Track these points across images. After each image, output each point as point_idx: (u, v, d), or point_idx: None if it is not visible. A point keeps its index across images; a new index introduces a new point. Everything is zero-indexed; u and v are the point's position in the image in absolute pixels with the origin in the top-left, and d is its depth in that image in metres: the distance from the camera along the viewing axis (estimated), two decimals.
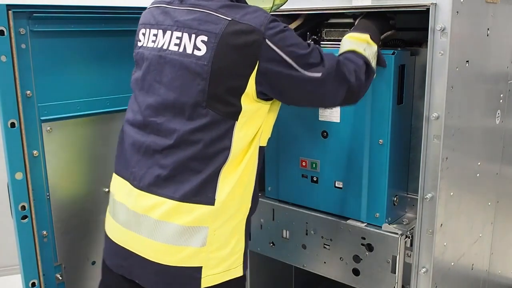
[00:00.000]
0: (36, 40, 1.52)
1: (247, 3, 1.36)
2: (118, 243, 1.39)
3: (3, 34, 1.41)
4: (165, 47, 1.31)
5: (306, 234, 1.83)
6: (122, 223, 1.38)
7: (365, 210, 1.69)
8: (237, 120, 1.27)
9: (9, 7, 1.40)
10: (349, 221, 1.72)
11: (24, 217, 1.55)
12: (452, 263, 1.69)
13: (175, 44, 1.28)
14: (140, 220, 1.32)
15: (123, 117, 1.46)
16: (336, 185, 1.74)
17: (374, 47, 1.47)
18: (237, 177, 1.31)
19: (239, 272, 1.37)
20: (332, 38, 1.74)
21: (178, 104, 1.27)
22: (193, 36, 1.25)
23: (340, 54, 1.45)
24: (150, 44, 1.36)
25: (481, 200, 1.87)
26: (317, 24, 1.78)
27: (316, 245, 1.81)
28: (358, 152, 1.66)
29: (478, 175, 1.76)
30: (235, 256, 1.36)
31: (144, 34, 1.40)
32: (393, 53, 1.54)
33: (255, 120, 1.33)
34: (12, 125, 1.51)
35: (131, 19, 1.67)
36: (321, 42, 1.76)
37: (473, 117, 1.66)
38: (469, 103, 1.60)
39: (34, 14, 1.42)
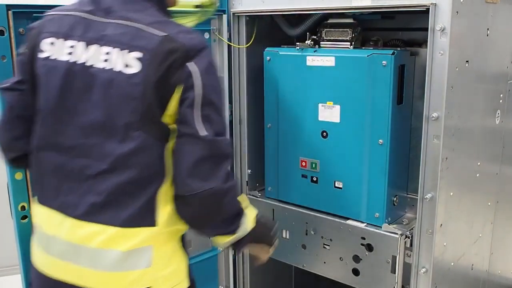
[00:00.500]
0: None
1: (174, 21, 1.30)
2: (54, 277, 1.26)
3: (3, 34, 1.41)
4: (89, 62, 1.18)
5: (306, 234, 1.83)
6: (57, 256, 1.25)
7: (365, 210, 1.69)
8: (168, 142, 1.20)
9: (9, 7, 1.40)
10: (349, 221, 1.72)
11: (24, 217, 1.55)
12: (452, 263, 1.69)
13: (104, 60, 1.17)
14: (79, 250, 1.22)
15: None
16: (336, 185, 1.74)
17: (248, 229, 1.33)
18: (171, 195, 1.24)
19: (185, 284, 1.34)
20: (331, 38, 1.74)
21: (109, 125, 1.18)
22: (125, 52, 1.15)
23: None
24: (64, 57, 1.21)
25: (481, 200, 1.87)
26: (316, 24, 1.78)
27: (316, 245, 1.81)
28: (358, 152, 1.66)
29: (478, 175, 1.76)
30: (180, 271, 1.32)
31: (53, 44, 1.23)
32: (393, 53, 1.54)
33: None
34: None
35: None
36: (321, 42, 1.76)
37: (473, 117, 1.66)
38: (469, 103, 1.60)
39: (34, 15, 1.42)
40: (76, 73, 1.19)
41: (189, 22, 1.70)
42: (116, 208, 1.19)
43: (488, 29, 1.62)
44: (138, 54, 1.14)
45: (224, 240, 1.33)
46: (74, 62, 1.20)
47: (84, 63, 1.19)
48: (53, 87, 1.22)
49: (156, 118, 1.17)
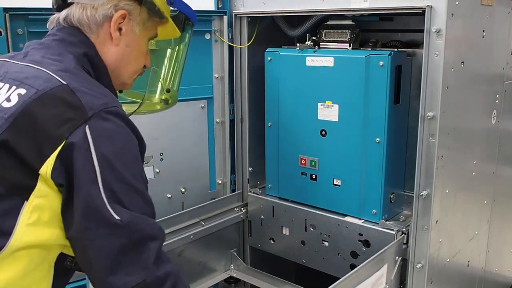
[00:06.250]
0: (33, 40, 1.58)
1: (110, 86, 1.16)
2: None
3: (1, 35, 1.48)
4: None
5: (305, 230, 1.87)
6: None
7: (363, 207, 1.73)
8: (25, 199, 0.94)
9: (6, 10, 1.48)
10: (347, 218, 1.76)
11: None
12: (448, 259, 1.72)
13: None
14: None
15: None
16: (335, 182, 1.78)
17: None
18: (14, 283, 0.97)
19: None
20: (331, 39, 1.78)
21: None
22: (13, 88, 0.99)
23: None
24: None
25: (477, 198, 1.90)
26: (316, 25, 1.82)
27: (315, 241, 1.85)
28: (356, 151, 1.70)
29: (474, 173, 1.79)
30: None
31: None
32: (390, 54, 1.58)
33: (52, 213, 0.96)
34: None
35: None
36: (321, 43, 1.80)
37: (469, 117, 1.70)
38: (465, 103, 1.64)
39: (30, 17, 1.50)
40: None
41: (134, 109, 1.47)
42: None
43: (483, 31, 1.66)
44: (22, 91, 0.98)
45: None
46: None
47: None
48: None
49: (17, 167, 0.94)
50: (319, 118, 1.77)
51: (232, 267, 2.12)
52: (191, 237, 1.88)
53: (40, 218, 0.95)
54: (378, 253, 1.52)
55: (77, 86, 0.98)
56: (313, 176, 1.83)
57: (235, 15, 1.94)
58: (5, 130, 0.94)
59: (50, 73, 1.01)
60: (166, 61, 1.58)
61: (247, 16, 1.93)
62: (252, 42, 1.96)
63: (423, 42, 1.48)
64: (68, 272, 1.08)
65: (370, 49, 1.71)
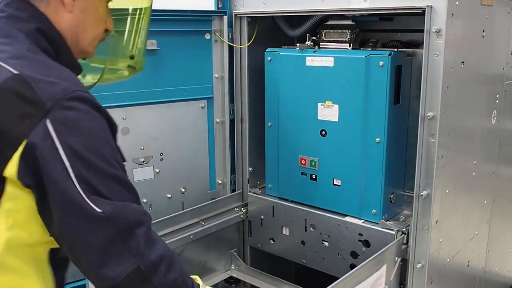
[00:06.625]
0: None
1: (72, 58, 1.09)
2: None
3: None
4: None
5: (305, 230, 1.87)
6: None
7: (363, 207, 1.73)
8: None
9: None
10: (347, 218, 1.76)
11: None
12: (448, 259, 1.72)
13: None
14: None
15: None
16: (335, 182, 1.78)
17: None
18: (16, 284, 0.97)
19: None
20: (331, 39, 1.78)
21: None
22: None
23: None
24: None
25: (477, 198, 1.90)
26: (316, 25, 1.82)
27: (315, 241, 1.85)
28: (356, 151, 1.70)
29: (474, 173, 1.79)
30: None
31: None
32: (390, 54, 1.58)
33: (29, 212, 0.93)
34: None
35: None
36: (320, 43, 1.80)
37: (469, 117, 1.70)
38: (465, 103, 1.64)
39: None
40: None
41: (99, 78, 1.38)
42: None
43: (483, 31, 1.66)
44: None
45: None
46: None
47: None
48: None
49: None
50: (319, 118, 1.77)
51: (232, 267, 2.12)
52: (191, 237, 1.88)
53: (16, 220, 0.92)
54: (378, 253, 1.52)
55: (31, 74, 0.90)
56: (313, 176, 1.84)
57: (235, 15, 1.94)
58: None
59: (1, 63, 0.92)
60: (127, 25, 1.43)
61: (247, 16, 1.93)
62: (252, 42, 1.96)
63: (423, 42, 1.48)
64: (65, 261, 1.06)
65: (370, 49, 1.71)
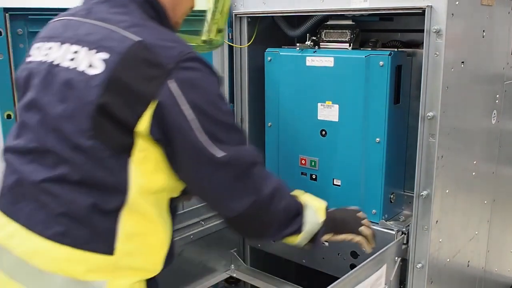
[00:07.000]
0: (33, 40, 1.58)
1: (171, 26, 1.20)
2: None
3: (1, 35, 1.48)
4: (56, 61, 1.08)
5: None
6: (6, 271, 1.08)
7: (363, 207, 1.71)
8: (129, 155, 1.03)
9: (6, 10, 1.49)
10: None
11: None
12: (448, 260, 1.72)
13: (71, 59, 1.06)
14: (25, 269, 1.05)
15: None
16: (335, 182, 1.78)
17: (320, 221, 1.30)
18: (144, 227, 1.08)
19: None
20: (331, 39, 1.78)
21: (61, 132, 1.03)
22: (93, 52, 1.03)
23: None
24: (40, 58, 1.12)
25: (477, 198, 1.90)
26: (316, 25, 1.82)
27: None
28: (356, 151, 1.70)
29: (474, 173, 1.79)
30: None
31: (39, 49, 1.15)
32: (390, 54, 1.58)
33: (156, 161, 1.06)
34: (8, 116, 1.57)
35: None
36: (321, 43, 1.80)
37: (469, 116, 1.70)
38: (465, 103, 1.64)
39: (30, 17, 1.50)
40: (43, 73, 1.09)
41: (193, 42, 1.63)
42: (67, 225, 1.04)
43: (484, 30, 1.66)
44: (105, 55, 1.02)
45: (294, 241, 1.28)
46: (43, 61, 1.10)
47: (52, 62, 1.08)
48: (20, 89, 1.16)
49: (116, 129, 1.01)
50: (319, 118, 1.77)
51: (232, 267, 2.12)
52: (191, 237, 1.88)
53: (146, 169, 1.04)
54: (378, 253, 1.52)
55: (151, 41, 1.02)
56: (313, 176, 1.83)
57: (235, 15, 1.94)
58: (100, 96, 1.00)
59: (122, 31, 1.04)
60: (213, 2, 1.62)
61: (247, 16, 1.93)
62: (252, 42, 1.96)
63: (423, 42, 1.48)
64: (176, 211, 1.22)
65: (370, 49, 1.71)
